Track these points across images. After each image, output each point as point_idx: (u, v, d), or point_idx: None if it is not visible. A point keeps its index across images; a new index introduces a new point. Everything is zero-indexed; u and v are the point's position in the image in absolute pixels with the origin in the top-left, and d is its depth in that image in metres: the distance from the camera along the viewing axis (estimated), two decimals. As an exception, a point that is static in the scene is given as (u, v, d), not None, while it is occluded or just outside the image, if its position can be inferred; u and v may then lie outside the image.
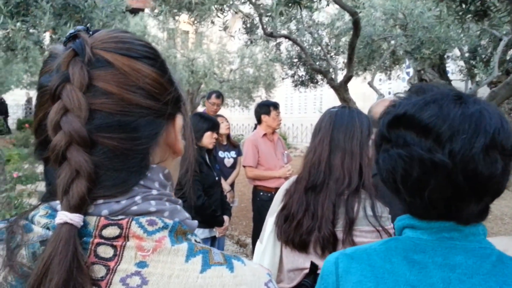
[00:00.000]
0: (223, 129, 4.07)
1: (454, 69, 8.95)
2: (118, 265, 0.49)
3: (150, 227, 0.51)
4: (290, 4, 2.92)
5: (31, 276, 0.46)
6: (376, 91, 4.81)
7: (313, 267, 1.44)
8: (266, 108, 3.88)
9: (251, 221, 5.79)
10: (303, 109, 14.94)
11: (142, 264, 0.49)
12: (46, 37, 4.31)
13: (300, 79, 5.35)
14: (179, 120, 0.59)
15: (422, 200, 0.77)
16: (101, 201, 0.51)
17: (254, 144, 3.84)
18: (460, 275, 0.76)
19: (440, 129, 0.73)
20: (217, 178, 3.28)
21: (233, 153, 4.36)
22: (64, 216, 0.48)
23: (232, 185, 4.31)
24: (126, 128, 0.52)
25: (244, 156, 3.93)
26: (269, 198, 3.69)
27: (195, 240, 0.55)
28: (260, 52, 9.46)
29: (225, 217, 3.31)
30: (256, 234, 3.87)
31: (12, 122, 17.36)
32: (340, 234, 1.40)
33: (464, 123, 0.73)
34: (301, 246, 1.46)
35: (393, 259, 0.81)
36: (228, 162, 4.29)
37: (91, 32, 0.55)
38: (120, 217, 0.51)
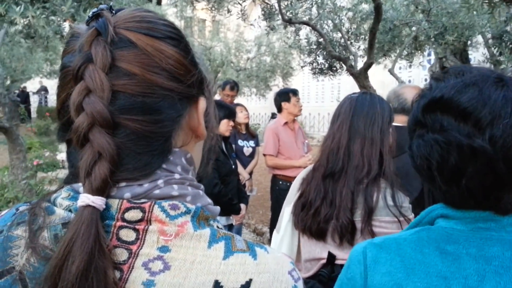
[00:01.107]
0: (241, 118, 4.05)
1: (476, 56, 8.71)
2: (140, 249, 0.48)
3: (173, 211, 0.50)
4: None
5: (53, 258, 0.46)
6: (397, 79, 4.71)
7: (331, 257, 1.42)
8: (286, 95, 3.85)
9: (267, 210, 5.80)
10: (320, 98, 14.81)
11: (164, 249, 0.48)
12: (66, 26, 4.34)
13: (319, 67, 5.26)
14: (202, 103, 0.58)
15: (459, 189, 0.73)
16: (123, 184, 0.50)
17: (275, 133, 3.82)
18: (497, 267, 0.72)
19: (480, 113, 0.70)
20: (233, 167, 3.28)
21: (251, 143, 4.35)
22: (86, 199, 0.47)
23: (250, 174, 4.30)
24: (149, 110, 0.50)
25: (264, 145, 3.91)
26: (288, 187, 3.65)
27: (217, 226, 0.53)
28: (278, 40, 9.38)
29: (242, 205, 3.32)
30: (274, 223, 3.87)
31: (32, 110, 17.71)
32: (358, 224, 1.37)
33: (506, 107, 0.69)
34: (319, 234, 1.44)
35: (424, 250, 0.78)
36: (247, 151, 4.28)
37: (114, 11, 0.54)
38: (142, 200, 0.50)
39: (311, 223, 1.45)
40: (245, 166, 4.14)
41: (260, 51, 10.50)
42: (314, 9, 4.30)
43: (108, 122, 0.48)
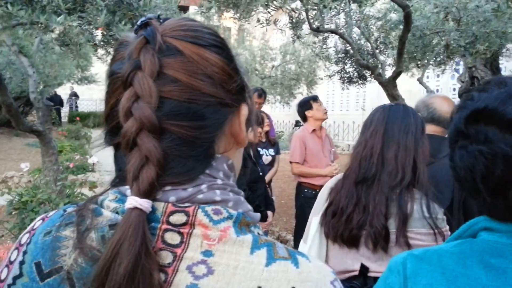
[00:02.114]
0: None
1: (508, 66, 8.47)
2: (185, 252, 0.49)
3: (216, 216, 0.51)
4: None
5: (101, 259, 0.47)
6: (426, 88, 4.63)
7: (363, 269, 1.40)
8: (307, 103, 3.84)
9: (291, 218, 5.77)
10: (345, 106, 14.70)
11: (208, 253, 0.49)
12: (98, 34, 4.47)
13: (348, 76, 5.22)
14: (244, 109, 0.59)
15: (505, 201, 0.72)
16: (169, 187, 0.51)
17: (302, 140, 3.79)
18: None
19: None
20: (261, 173, 3.29)
21: (271, 151, 4.32)
22: (134, 201, 0.48)
23: (269, 182, 4.28)
24: (194, 116, 0.52)
25: (291, 152, 3.89)
26: (313, 195, 3.65)
27: (258, 233, 0.54)
28: (304, 48, 9.37)
29: (269, 213, 3.31)
30: (298, 231, 3.84)
31: (63, 115, 18.24)
32: (392, 235, 1.36)
33: None
34: (351, 242, 1.43)
35: (467, 262, 0.76)
36: (266, 159, 4.26)
37: (161, 20, 0.56)
38: (186, 204, 0.51)
39: (343, 230, 1.43)
40: (263, 174, 4.14)
41: (285, 59, 10.52)
42: (341, 18, 4.30)
43: (156, 127, 0.50)
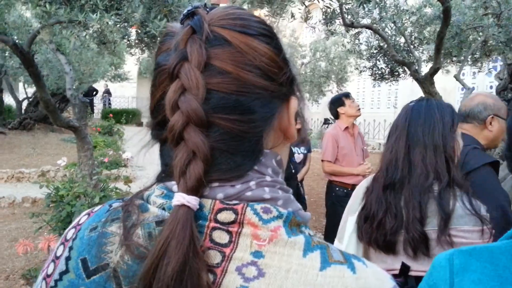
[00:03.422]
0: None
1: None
2: (234, 252, 0.46)
3: (265, 215, 0.48)
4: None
5: (148, 258, 0.45)
6: (463, 85, 4.48)
7: (404, 268, 1.37)
8: (339, 100, 3.77)
9: (320, 216, 5.73)
10: (376, 104, 14.44)
11: (258, 254, 0.46)
12: (133, 32, 4.56)
13: (380, 72, 5.12)
14: (293, 102, 0.55)
15: None
16: (216, 184, 0.49)
17: (334, 139, 3.72)
18: None
19: None
20: (293, 171, 3.27)
21: (302, 149, 4.28)
22: (181, 198, 0.46)
23: (301, 181, 4.24)
24: (242, 109, 0.49)
25: (323, 150, 3.82)
26: (345, 194, 3.60)
27: (309, 234, 0.50)
28: (334, 44, 9.26)
29: (302, 211, 3.29)
30: (329, 230, 3.80)
31: (97, 111, 18.78)
32: (433, 234, 1.32)
33: None
34: (387, 248, 1.39)
35: None
36: (298, 157, 4.22)
37: (208, 9, 0.53)
38: (234, 202, 0.48)
39: (376, 236, 1.40)
40: (296, 172, 4.11)
41: (315, 57, 10.43)
42: (375, 13, 4.22)
43: (203, 121, 0.47)
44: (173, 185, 0.50)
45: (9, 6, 4.69)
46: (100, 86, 18.20)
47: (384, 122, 13.29)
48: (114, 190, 4.17)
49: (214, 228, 0.47)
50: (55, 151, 9.91)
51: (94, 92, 16.97)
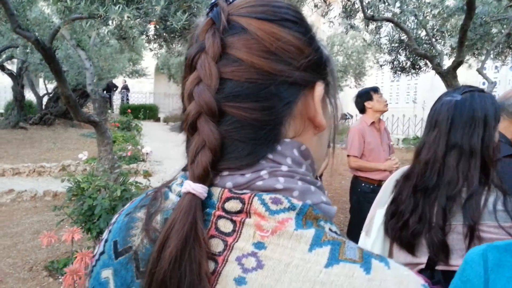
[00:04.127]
0: None
1: None
2: (236, 242, 0.46)
3: (274, 205, 0.46)
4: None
5: (156, 242, 0.46)
6: (486, 79, 4.38)
7: (431, 262, 1.34)
8: (367, 94, 3.68)
9: (338, 212, 5.68)
10: (395, 99, 14.24)
11: (259, 245, 0.45)
12: (151, 28, 4.59)
13: (401, 66, 5.04)
14: (319, 88, 0.52)
15: None
16: (226, 173, 0.49)
17: (360, 134, 3.64)
18: None
19: None
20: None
21: None
22: (188, 186, 0.47)
23: (320, 176, 4.20)
24: (255, 97, 0.48)
25: (349, 145, 3.72)
26: (371, 190, 3.55)
27: (330, 229, 0.47)
28: (352, 39, 9.17)
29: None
30: (353, 226, 3.73)
31: (115, 107, 19.05)
32: (459, 222, 1.29)
33: None
34: (408, 248, 1.38)
35: None
36: None
37: (230, 0, 0.53)
38: (244, 191, 0.47)
39: (400, 234, 1.39)
40: None
41: (333, 51, 10.34)
42: (396, 6, 4.14)
43: (213, 111, 0.47)
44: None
45: (31, 2, 4.77)
46: (118, 82, 18.48)
47: (403, 117, 13.10)
48: (134, 184, 4.22)
49: (219, 217, 0.47)
50: (75, 146, 10.09)
51: (115, 88, 17.22)
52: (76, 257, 2.60)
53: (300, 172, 0.50)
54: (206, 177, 0.47)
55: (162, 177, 5.25)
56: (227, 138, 0.48)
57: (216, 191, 0.48)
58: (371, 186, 3.59)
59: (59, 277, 3.83)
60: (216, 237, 0.46)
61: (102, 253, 0.56)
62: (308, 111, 0.52)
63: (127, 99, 20.74)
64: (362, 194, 3.62)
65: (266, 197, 0.47)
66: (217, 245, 0.46)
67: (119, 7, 2.91)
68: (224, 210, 0.47)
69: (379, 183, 3.53)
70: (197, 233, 0.45)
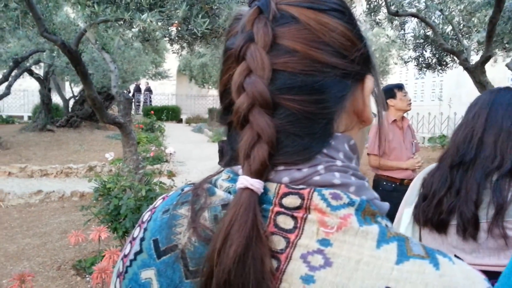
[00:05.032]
0: None
1: None
2: (299, 239, 0.44)
3: (334, 201, 0.45)
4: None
5: (213, 240, 0.44)
6: (516, 74, 4.25)
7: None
8: (390, 91, 3.61)
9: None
10: (420, 97, 13.96)
11: (325, 242, 0.43)
12: (173, 30, 4.64)
13: (426, 62, 4.94)
14: (369, 82, 0.52)
15: None
16: (281, 167, 0.47)
17: (382, 132, 3.60)
18: None
19: None
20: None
21: None
22: (245, 181, 0.45)
23: None
24: (310, 89, 0.47)
25: (369, 143, 3.70)
26: (393, 188, 3.50)
27: (386, 225, 0.46)
28: (376, 36, 9.04)
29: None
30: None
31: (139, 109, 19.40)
32: (483, 220, 1.27)
33: None
34: (440, 226, 1.37)
35: None
36: None
37: None
38: (301, 186, 0.46)
39: (433, 214, 1.38)
40: None
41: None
42: (421, 1, 4.06)
43: (268, 103, 0.46)
44: (239, 168, 0.49)
45: (57, 7, 4.90)
46: (141, 84, 18.77)
47: (428, 116, 12.83)
48: (158, 184, 4.27)
49: (278, 213, 0.46)
50: (101, 147, 10.29)
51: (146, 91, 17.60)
52: (104, 255, 2.65)
53: (352, 167, 0.50)
54: (263, 172, 0.46)
55: (186, 178, 5.29)
56: (281, 131, 0.47)
57: (272, 186, 0.47)
58: (393, 185, 3.54)
59: (86, 276, 3.91)
60: (277, 234, 0.45)
61: (139, 252, 0.53)
62: (356, 105, 0.51)
63: (150, 101, 21.06)
64: (383, 192, 3.56)
65: (326, 192, 0.45)
66: (278, 242, 0.45)
67: (143, 13, 2.95)
68: (282, 206, 0.46)
69: (401, 181, 3.51)
70: (258, 230, 0.43)
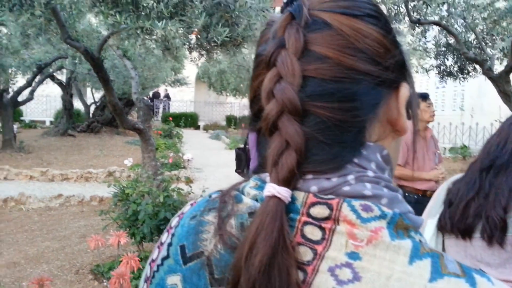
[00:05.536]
0: None
1: None
2: (327, 251, 0.43)
3: (365, 213, 0.43)
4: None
5: (239, 249, 0.43)
6: (542, 84, 4.13)
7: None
8: None
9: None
10: (440, 106, 13.72)
11: (354, 256, 0.42)
12: (193, 38, 4.69)
13: (448, 70, 4.86)
14: (404, 90, 0.50)
15: None
16: (310, 176, 0.46)
17: (404, 141, 3.52)
18: None
19: None
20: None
21: None
22: (272, 189, 0.44)
23: None
24: (342, 97, 0.46)
25: None
26: (416, 200, 3.42)
27: (420, 240, 0.45)
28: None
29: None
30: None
31: (158, 115, 19.67)
32: (511, 231, 1.23)
33: None
34: (465, 232, 1.32)
35: None
36: None
37: None
38: (330, 196, 0.45)
39: (459, 218, 1.34)
40: None
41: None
42: (443, 9, 4.01)
43: (298, 110, 0.45)
44: (266, 176, 0.48)
45: (80, 15, 5.01)
46: (160, 90, 19.04)
47: (449, 126, 12.61)
48: (176, 190, 4.29)
49: (306, 223, 0.44)
50: (120, 153, 10.43)
51: (159, 97, 17.88)
52: (121, 260, 2.67)
53: (384, 178, 0.48)
54: (291, 180, 0.45)
55: (203, 184, 5.32)
56: (311, 139, 0.46)
57: (300, 195, 0.45)
58: (416, 196, 3.47)
59: (104, 280, 3.94)
60: (304, 244, 0.44)
61: (165, 257, 0.52)
62: (390, 114, 0.50)
63: (168, 108, 21.31)
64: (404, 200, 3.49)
65: (356, 203, 0.44)
66: (305, 253, 0.43)
67: (163, 22, 2.99)
68: (310, 216, 0.44)
69: (424, 193, 3.42)
70: (285, 239, 0.42)
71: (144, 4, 3.09)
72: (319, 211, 0.44)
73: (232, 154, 4.84)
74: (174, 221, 0.57)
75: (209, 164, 9.80)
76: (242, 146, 4.90)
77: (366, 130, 0.48)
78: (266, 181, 0.47)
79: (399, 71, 0.50)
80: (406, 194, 3.51)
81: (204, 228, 0.51)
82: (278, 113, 0.45)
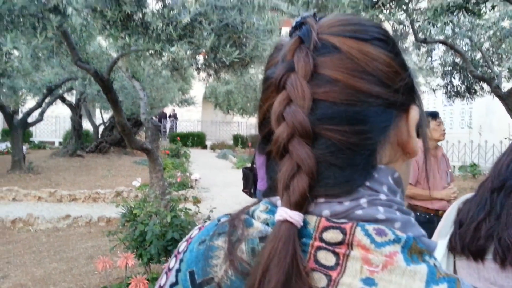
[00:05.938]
0: None
1: None
2: (341, 277, 0.42)
3: (379, 237, 0.43)
4: (452, 10, 2.66)
5: (251, 275, 0.43)
6: (551, 101, 4.11)
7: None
8: None
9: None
10: (449, 124, 13.68)
11: (369, 282, 0.41)
12: (200, 59, 4.76)
13: (455, 90, 4.85)
14: (414, 112, 0.50)
15: None
16: (322, 200, 0.45)
17: (415, 160, 3.50)
18: None
19: None
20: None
21: None
22: (284, 213, 0.43)
23: None
24: (352, 120, 0.46)
25: None
26: (427, 220, 3.37)
27: (435, 264, 0.44)
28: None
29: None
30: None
31: (165, 135, 19.80)
32: None
33: None
34: (477, 253, 1.29)
35: None
36: None
37: (318, 18, 0.51)
38: (342, 220, 0.44)
39: (470, 239, 1.31)
40: None
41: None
42: (449, 29, 4.04)
43: (308, 133, 0.45)
44: (277, 199, 0.47)
45: (90, 37, 5.11)
46: (167, 110, 19.21)
47: (458, 144, 12.52)
48: (184, 210, 4.28)
49: (319, 248, 0.44)
50: (128, 173, 10.46)
51: (166, 117, 18.05)
52: (129, 283, 2.64)
53: (397, 202, 0.48)
54: (303, 204, 0.44)
55: (210, 204, 5.30)
56: (322, 162, 0.45)
57: (312, 219, 0.45)
58: (427, 216, 3.41)
59: (111, 302, 3.90)
60: (317, 270, 0.43)
61: (174, 284, 0.52)
62: (400, 136, 0.50)
63: (176, 127, 21.45)
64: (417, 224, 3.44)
65: (370, 227, 0.44)
66: (319, 279, 0.43)
67: (172, 44, 3.05)
68: (322, 240, 0.44)
69: (436, 212, 3.36)
70: (298, 265, 0.42)
71: (154, 27, 3.15)
72: (332, 235, 0.44)
73: (239, 173, 4.83)
74: (182, 246, 0.56)
75: (216, 183, 9.77)
76: (249, 165, 4.89)
77: (377, 152, 0.48)
78: (277, 205, 0.47)
79: (408, 93, 0.50)
80: (418, 213, 3.46)
81: (213, 253, 0.50)
82: (288, 136, 0.45)
